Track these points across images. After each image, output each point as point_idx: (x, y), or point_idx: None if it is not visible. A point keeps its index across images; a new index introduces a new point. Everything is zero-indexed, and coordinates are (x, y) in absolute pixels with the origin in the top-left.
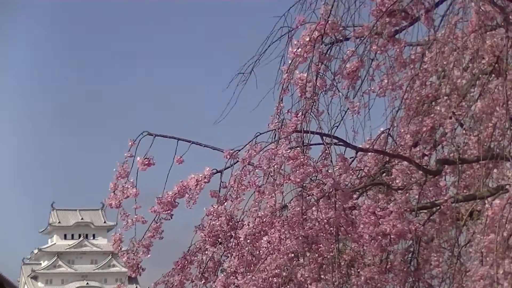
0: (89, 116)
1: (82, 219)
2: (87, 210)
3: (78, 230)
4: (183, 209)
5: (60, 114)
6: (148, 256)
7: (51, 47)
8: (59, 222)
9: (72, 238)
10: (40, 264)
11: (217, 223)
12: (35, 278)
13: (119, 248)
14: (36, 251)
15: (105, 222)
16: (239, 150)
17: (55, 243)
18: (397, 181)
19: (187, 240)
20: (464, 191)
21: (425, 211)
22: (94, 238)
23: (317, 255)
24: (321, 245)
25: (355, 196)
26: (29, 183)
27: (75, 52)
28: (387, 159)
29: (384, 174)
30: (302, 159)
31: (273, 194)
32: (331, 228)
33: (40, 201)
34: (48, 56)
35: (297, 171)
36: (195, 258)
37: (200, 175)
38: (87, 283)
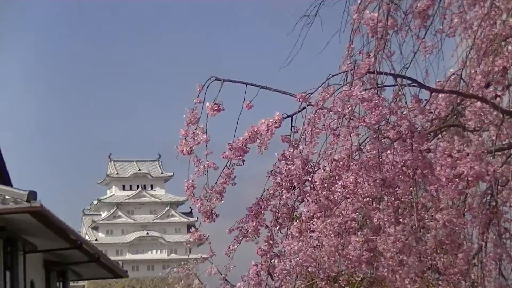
0: (148, 66)
1: (139, 170)
2: (144, 161)
3: (136, 181)
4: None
5: (119, 63)
6: (221, 202)
7: None
8: (117, 173)
9: (131, 189)
10: (100, 214)
11: (292, 167)
12: (95, 228)
13: (192, 194)
14: (95, 202)
15: (162, 172)
16: (312, 93)
17: (114, 194)
18: (470, 123)
19: (245, 192)
20: None
21: (501, 152)
22: (152, 188)
23: (393, 198)
24: (397, 188)
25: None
26: (87, 134)
27: None
28: (459, 101)
29: (455, 116)
30: (377, 101)
31: (349, 137)
32: (408, 171)
33: (98, 152)
34: None
35: (372, 113)
36: (269, 204)
37: (271, 120)
38: (147, 233)
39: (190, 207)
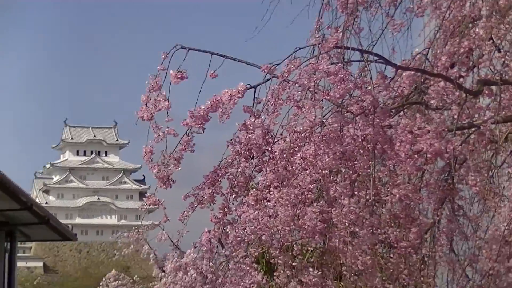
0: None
1: (94, 136)
2: (100, 128)
3: (91, 147)
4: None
5: (78, 30)
6: (179, 169)
7: None
8: (71, 139)
9: (84, 154)
10: (52, 178)
11: (253, 136)
12: (46, 191)
13: (150, 160)
14: (48, 166)
15: (117, 140)
16: (278, 65)
17: (67, 159)
18: (433, 101)
19: (201, 162)
20: (503, 112)
21: (461, 132)
22: (106, 155)
23: (351, 172)
24: (356, 162)
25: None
26: (43, 99)
27: None
28: (422, 80)
29: (418, 94)
30: (342, 75)
31: (312, 109)
32: (368, 145)
33: (53, 117)
34: None
35: (338, 87)
36: (226, 172)
37: (234, 90)
38: (98, 198)
39: (143, 175)
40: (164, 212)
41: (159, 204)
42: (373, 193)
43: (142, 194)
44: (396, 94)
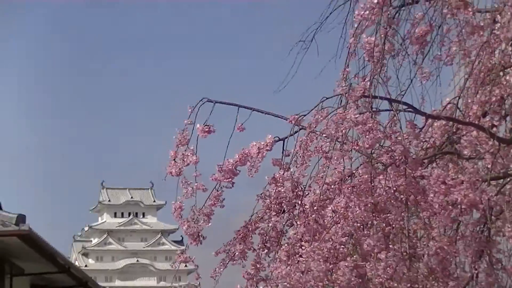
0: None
1: (132, 197)
2: (136, 189)
3: (128, 208)
4: (229, 192)
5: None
6: (209, 224)
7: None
8: (109, 201)
9: (122, 216)
10: (91, 241)
11: (282, 189)
12: (85, 254)
13: (179, 216)
14: (86, 228)
15: (154, 201)
16: (305, 115)
17: (105, 221)
18: (466, 151)
19: (235, 222)
20: None
21: (495, 182)
22: (143, 216)
23: (384, 224)
24: (389, 214)
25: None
26: (80, 162)
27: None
28: (454, 130)
29: (451, 144)
30: (371, 124)
31: (341, 160)
32: (401, 196)
33: (90, 180)
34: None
35: (366, 137)
36: (257, 227)
37: (262, 143)
38: (137, 260)
39: (181, 236)
40: (196, 270)
41: (190, 261)
42: (408, 246)
43: None
44: (428, 145)
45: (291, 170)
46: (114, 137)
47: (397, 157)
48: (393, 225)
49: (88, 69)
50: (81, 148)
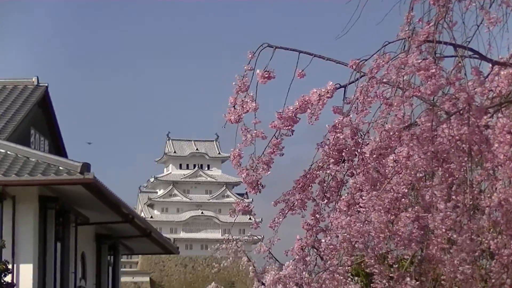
0: (204, 44)
1: (197, 149)
2: (202, 141)
3: (193, 160)
4: (290, 144)
5: (175, 45)
6: (268, 173)
7: None
8: (174, 152)
9: (187, 168)
10: (156, 192)
11: (341, 136)
12: (151, 205)
13: (238, 164)
14: (152, 179)
15: (219, 153)
16: (366, 60)
17: (170, 173)
18: None
19: (295, 176)
20: None
21: None
22: (208, 168)
23: (447, 175)
24: (451, 164)
25: (488, 115)
26: (147, 113)
27: None
28: None
29: None
30: (434, 70)
31: (402, 106)
32: (463, 146)
33: (156, 131)
34: None
35: (429, 83)
36: (317, 176)
37: (323, 90)
38: (202, 212)
39: (246, 189)
40: (254, 219)
41: (249, 209)
42: (470, 197)
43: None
44: (494, 94)
45: (351, 116)
46: (181, 88)
47: (460, 105)
48: (456, 176)
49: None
50: (148, 99)
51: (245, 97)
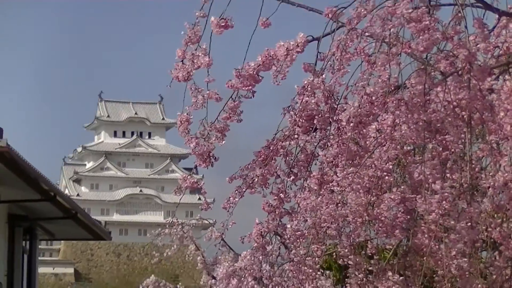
0: None
1: (136, 113)
2: (142, 104)
3: (131, 126)
4: (254, 111)
5: None
6: (223, 143)
7: None
8: (108, 116)
9: (124, 136)
10: (84, 165)
11: (313, 100)
12: (78, 181)
13: (186, 131)
14: (80, 149)
15: (163, 118)
16: (345, 8)
17: (102, 141)
18: None
19: (257, 147)
20: None
21: None
22: (149, 137)
23: (441, 148)
24: (447, 135)
25: (493, 76)
26: (73, 68)
27: None
28: None
29: None
30: (427, 22)
31: (387, 66)
32: (462, 113)
33: (86, 90)
34: None
35: (421, 37)
36: (282, 148)
37: (292, 43)
38: (141, 190)
39: (195, 162)
40: (205, 198)
41: (200, 187)
42: (469, 176)
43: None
44: (500, 51)
45: (324, 76)
46: (117, 38)
47: (459, 64)
48: (452, 150)
49: None
50: (77, 52)
51: (196, 50)
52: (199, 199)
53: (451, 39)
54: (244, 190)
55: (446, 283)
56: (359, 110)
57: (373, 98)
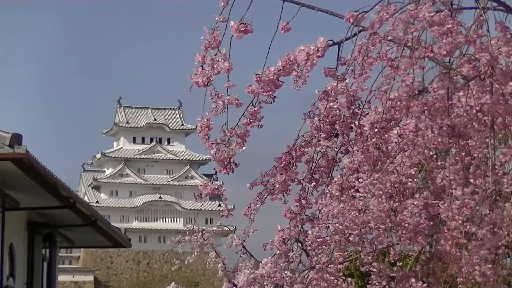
0: None
1: (155, 119)
2: (161, 109)
3: (150, 132)
4: (270, 115)
5: None
6: (243, 149)
7: None
8: (127, 122)
9: (143, 142)
10: (104, 171)
11: (335, 106)
12: (97, 187)
13: (206, 137)
14: (99, 156)
15: (182, 124)
16: (366, 12)
17: (121, 147)
18: None
19: (276, 153)
20: None
21: None
22: (169, 143)
23: (464, 153)
24: (469, 140)
25: None
26: (93, 74)
27: None
28: None
29: None
30: (450, 25)
31: (411, 70)
32: (485, 118)
33: (105, 96)
34: None
35: (443, 41)
36: (304, 154)
37: (312, 47)
38: (160, 197)
39: (215, 168)
40: (225, 205)
41: (220, 194)
42: (492, 181)
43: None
44: None
45: (347, 81)
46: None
47: (482, 68)
48: (475, 155)
49: None
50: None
51: (215, 55)
52: (219, 205)
53: (474, 42)
54: (265, 196)
55: None
56: (382, 115)
57: (397, 103)
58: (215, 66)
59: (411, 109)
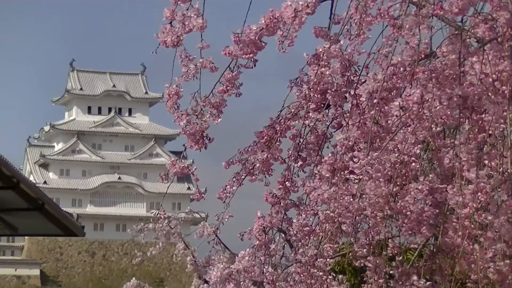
0: None
1: (114, 86)
2: (121, 74)
3: (108, 101)
4: (251, 82)
5: None
6: (218, 121)
7: None
8: (80, 89)
9: (99, 112)
10: (53, 147)
11: (327, 71)
12: (45, 166)
13: (175, 106)
14: (47, 128)
15: (146, 92)
16: None
17: (74, 119)
18: None
19: (258, 127)
20: None
21: None
22: (130, 114)
23: (477, 129)
24: (484, 113)
25: None
26: (41, 33)
27: None
28: None
29: None
30: None
31: (417, 30)
32: (503, 88)
33: (56, 59)
34: None
35: None
36: (289, 128)
37: (300, 3)
38: (119, 178)
39: (185, 144)
40: (197, 186)
41: (191, 174)
42: (510, 161)
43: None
44: None
45: (341, 43)
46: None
47: (500, 30)
48: (490, 131)
49: None
50: (46, 15)
51: (187, 9)
52: (189, 188)
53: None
54: (243, 177)
55: None
56: (383, 83)
57: (400, 69)
58: (186, 23)
59: (416, 76)
